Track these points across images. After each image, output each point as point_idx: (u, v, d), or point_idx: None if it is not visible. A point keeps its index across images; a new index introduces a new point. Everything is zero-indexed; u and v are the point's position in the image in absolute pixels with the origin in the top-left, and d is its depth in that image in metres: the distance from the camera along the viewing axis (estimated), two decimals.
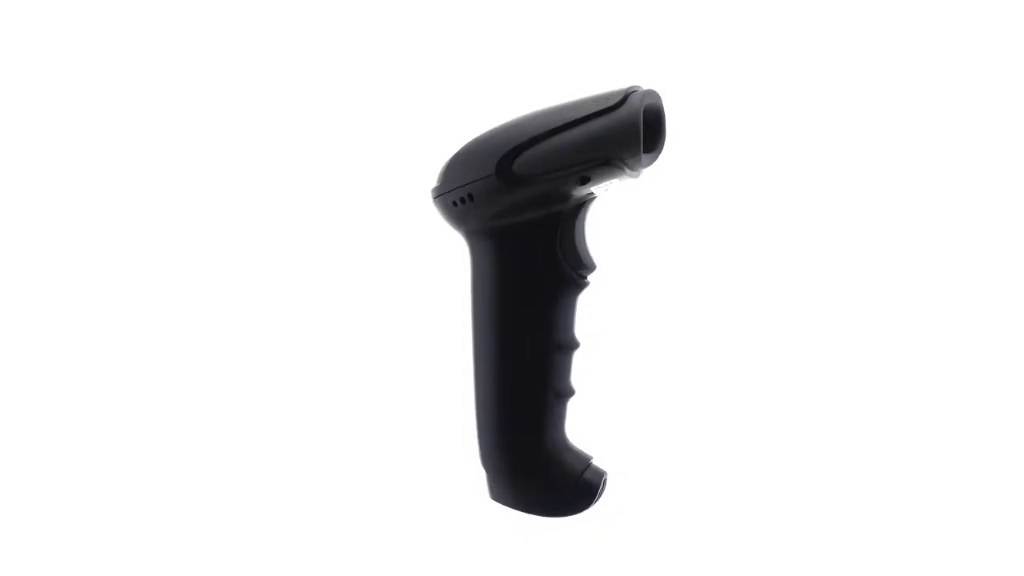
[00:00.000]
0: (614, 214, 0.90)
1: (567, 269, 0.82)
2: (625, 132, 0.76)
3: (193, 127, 1.11)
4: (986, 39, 1.06)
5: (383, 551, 0.85)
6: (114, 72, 1.11)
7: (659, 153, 0.79)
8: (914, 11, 1.06)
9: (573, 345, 0.84)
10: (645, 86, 0.79)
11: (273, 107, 1.10)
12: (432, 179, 0.83)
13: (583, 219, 0.82)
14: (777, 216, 1.06)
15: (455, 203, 0.80)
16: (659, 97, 0.78)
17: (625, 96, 0.77)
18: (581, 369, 0.85)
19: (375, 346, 1.06)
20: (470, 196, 0.79)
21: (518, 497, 0.84)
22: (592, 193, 0.81)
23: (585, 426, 0.87)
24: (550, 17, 1.06)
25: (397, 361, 1.04)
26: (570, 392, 0.84)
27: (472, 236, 0.82)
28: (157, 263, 1.11)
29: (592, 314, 0.86)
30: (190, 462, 0.97)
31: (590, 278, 0.83)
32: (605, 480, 0.85)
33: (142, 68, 1.11)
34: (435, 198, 0.82)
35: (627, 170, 0.78)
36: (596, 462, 0.86)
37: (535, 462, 0.84)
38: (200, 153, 1.12)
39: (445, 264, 0.90)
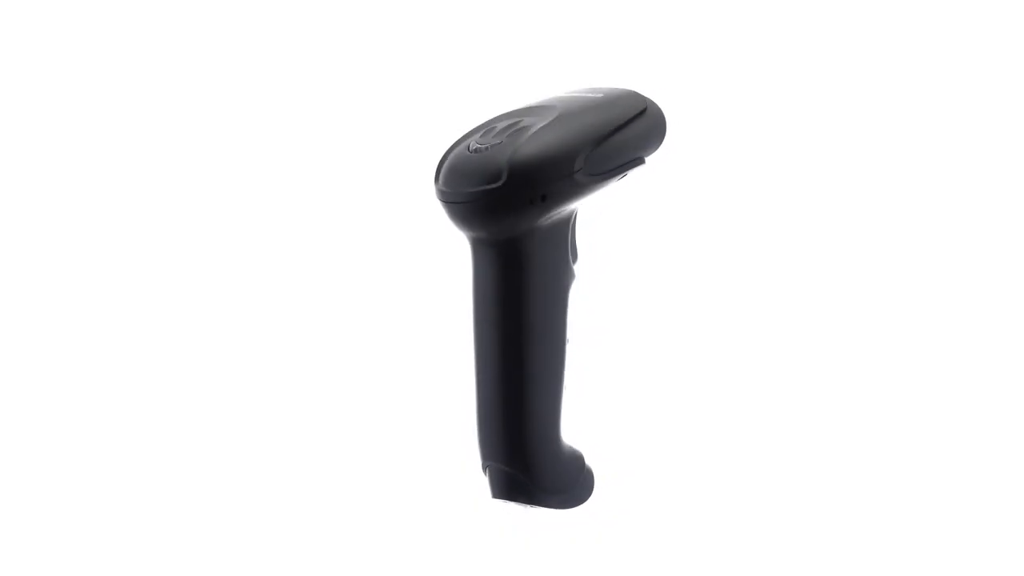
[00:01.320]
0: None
1: (572, 264, 0.84)
2: (659, 131, 0.85)
3: (189, 127, 1.12)
4: (983, 40, 1.07)
5: (383, 551, 0.85)
6: (112, 71, 1.11)
7: None
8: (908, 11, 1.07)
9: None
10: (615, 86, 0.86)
11: (269, 106, 1.11)
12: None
13: None
14: (756, 205, 1.07)
15: (520, 204, 0.79)
16: None
17: (643, 99, 0.85)
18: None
19: (373, 347, 1.06)
20: (542, 197, 0.79)
21: (537, 491, 0.84)
22: None
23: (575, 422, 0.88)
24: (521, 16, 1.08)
25: (396, 361, 1.04)
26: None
27: (498, 241, 0.81)
28: (155, 263, 1.11)
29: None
30: (188, 463, 0.96)
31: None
32: None
33: (140, 67, 1.11)
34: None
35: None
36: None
37: (558, 455, 0.85)
38: (197, 153, 1.12)
39: (444, 265, 0.90)
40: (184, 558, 0.85)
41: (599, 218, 0.89)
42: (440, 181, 0.80)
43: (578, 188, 0.80)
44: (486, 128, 0.81)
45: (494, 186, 0.78)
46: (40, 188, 1.12)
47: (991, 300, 1.06)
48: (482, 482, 0.85)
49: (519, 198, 0.79)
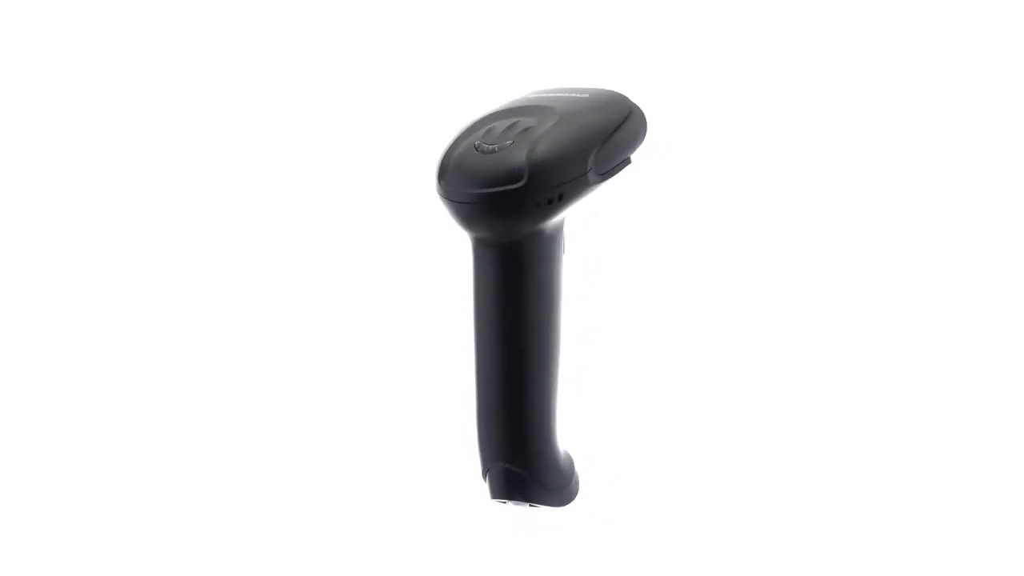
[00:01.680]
0: None
1: (562, 257, 0.85)
2: (644, 131, 0.86)
3: (189, 127, 1.12)
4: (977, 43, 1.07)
5: (384, 551, 0.85)
6: (110, 70, 1.11)
7: None
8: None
9: None
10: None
11: (263, 105, 1.11)
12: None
13: None
14: (738, 201, 1.07)
15: (538, 204, 0.80)
16: None
17: (627, 99, 0.86)
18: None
19: (373, 347, 1.06)
20: (558, 197, 0.80)
21: (538, 489, 0.85)
22: None
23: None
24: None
25: (396, 362, 1.04)
26: None
27: (501, 241, 0.81)
28: (155, 263, 1.11)
29: None
30: (187, 463, 0.96)
31: None
32: None
33: (139, 66, 1.11)
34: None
35: None
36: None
37: (557, 452, 0.86)
38: (196, 153, 1.12)
39: (445, 265, 0.90)
40: (184, 558, 0.85)
41: (588, 219, 0.90)
42: (447, 181, 0.79)
43: (587, 187, 0.81)
44: (485, 128, 0.80)
45: (515, 186, 0.78)
46: (39, 188, 1.12)
47: (987, 297, 1.06)
48: (482, 484, 0.86)
49: (538, 197, 0.79)
